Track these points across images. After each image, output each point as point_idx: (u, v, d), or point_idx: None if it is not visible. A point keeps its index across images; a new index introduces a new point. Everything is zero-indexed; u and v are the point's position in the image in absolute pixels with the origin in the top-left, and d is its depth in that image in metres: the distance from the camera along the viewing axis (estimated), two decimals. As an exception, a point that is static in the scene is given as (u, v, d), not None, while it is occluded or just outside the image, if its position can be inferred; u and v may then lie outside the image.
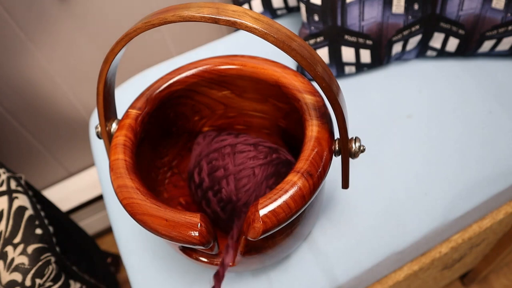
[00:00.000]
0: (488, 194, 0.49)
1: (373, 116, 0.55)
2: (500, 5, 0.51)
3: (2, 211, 0.50)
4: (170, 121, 0.45)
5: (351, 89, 0.58)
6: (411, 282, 0.57)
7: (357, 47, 0.55)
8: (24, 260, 0.48)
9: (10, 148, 0.80)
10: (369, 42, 0.55)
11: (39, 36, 0.67)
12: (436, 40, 0.57)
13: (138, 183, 0.33)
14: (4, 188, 0.52)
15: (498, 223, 0.56)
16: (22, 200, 0.52)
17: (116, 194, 0.32)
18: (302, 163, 0.31)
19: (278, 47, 0.26)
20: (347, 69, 0.58)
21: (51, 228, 0.56)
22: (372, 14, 0.53)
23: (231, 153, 0.39)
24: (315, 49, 0.56)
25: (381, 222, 0.46)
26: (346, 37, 0.54)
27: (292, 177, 0.30)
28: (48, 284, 0.50)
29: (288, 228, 0.35)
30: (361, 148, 0.31)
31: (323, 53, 0.56)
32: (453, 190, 0.48)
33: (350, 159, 0.42)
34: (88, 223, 0.97)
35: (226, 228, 0.42)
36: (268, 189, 0.39)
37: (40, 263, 0.49)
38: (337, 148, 0.33)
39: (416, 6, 0.53)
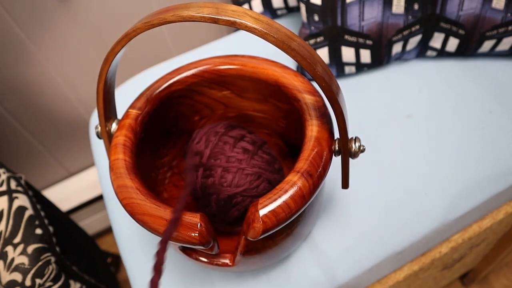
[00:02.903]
0: (488, 194, 0.49)
1: (373, 116, 0.55)
2: (500, 5, 0.51)
3: (2, 211, 0.50)
4: (170, 121, 0.45)
5: (351, 89, 0.58)
6: (411, 282, 0.57)
7: (357, 47, 0.55)
8: (24, 260, 0.48)
9: (10, 148, 0.80)
10: (369, 42, 0.55)
11: (40, 36, 0.67)
12: (436, 40, 0.57)
13: (138, 183, 0.33)
14: (4, 188, 0.52)
15: (498, 223, 0.56)
16: (22, 200, 0.52)
17: (116, 194, 0.32)
18: (302, 163, 0.31)
19: (278, 47, 0.26)
20: (347, 69, 0.58)
21: (51, 228, 0.56)
22: (372, 14, 0.53)
23: (216, 139, 0.41)
24: (315, 49, 0.56)
25: (381, 222, 0.46)
26: (346, 37, 0.54)
27: (292, 177, 0.30)
28: (48, 284, 0.50)
29: (288, 228, 0.35)
30: (361, 148, 0.31)
31: (323, 53, 0.56)
32: (453, 190, 0.48)
33: (350, 159, 0.42)
34: (88, 223, 0.97)
35: (220, 222, 0.42)
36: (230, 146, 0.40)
37: (40, 263, 0.49)
38: (337, 148, 0.33)
39: (416, 6, 0.53)
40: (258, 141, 0.41)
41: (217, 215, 0.41)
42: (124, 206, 0.32)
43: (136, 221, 0.31)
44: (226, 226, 0.42)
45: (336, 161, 0.49)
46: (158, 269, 0.24)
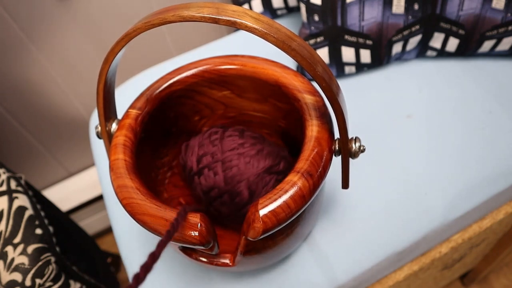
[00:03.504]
0: (488, 194, 0.49)
1: (373, 116, 0.55)
2: (500, 5, 0.51)
3: (2, 211, 0.50)
4: (170, 121, 0.45)
5: (351, 89, 0.58)
6: (411, 282, 0.57)
7: (357, 47, 0.55)
8: (24, 260, 0.48)
9: (10, 148, 0.80)
10: (369, 42, 0.55)
11: (40, 36, 0.67)
12: (436, 40, 0.57)
13: (138, 183, 0.32)
14: (4, 188, 0.52)
15: (498, 223, 0.56)
16: (22, 200, 0.52)
17: (116, 194, 0.32)
18: (302, 163, 0.31)
19: (278, 47, 0.26)
20: (347, 69, 0.58)
21: (51, 228, 0.56)
22: (372, 14, 0.53)
23: (219, 138, 0.41)
24: (315, 49, 0.56)
25: (381, 222, 0.46)
26: (346, 37, 0.54)
27: (292, 177, 0.30)
28: (48, 284, 0.50)
29: (288, 228, 0.35)
30: (361, 148, 0.31)
31: (323, 53, 0.56)
32: (453, 190, 0.48)
33: (350, 159, 0.42)
34: (88, 223, 0.97)
35: (226, 223, 0.42)
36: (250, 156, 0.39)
37: (40, 263, 0.49)
38: (337, 148, 0.33)
39: (416, 6, 0.53)
40: (257, 135, 0.42)
41: (233, 213, 0.41)
42: (124, 206, 0.32)
43: (136, 221, 0.31)
44: (238, 223, 0.42)
45: (336, 161, 0.49)
46: (147, 267, 0.23)
